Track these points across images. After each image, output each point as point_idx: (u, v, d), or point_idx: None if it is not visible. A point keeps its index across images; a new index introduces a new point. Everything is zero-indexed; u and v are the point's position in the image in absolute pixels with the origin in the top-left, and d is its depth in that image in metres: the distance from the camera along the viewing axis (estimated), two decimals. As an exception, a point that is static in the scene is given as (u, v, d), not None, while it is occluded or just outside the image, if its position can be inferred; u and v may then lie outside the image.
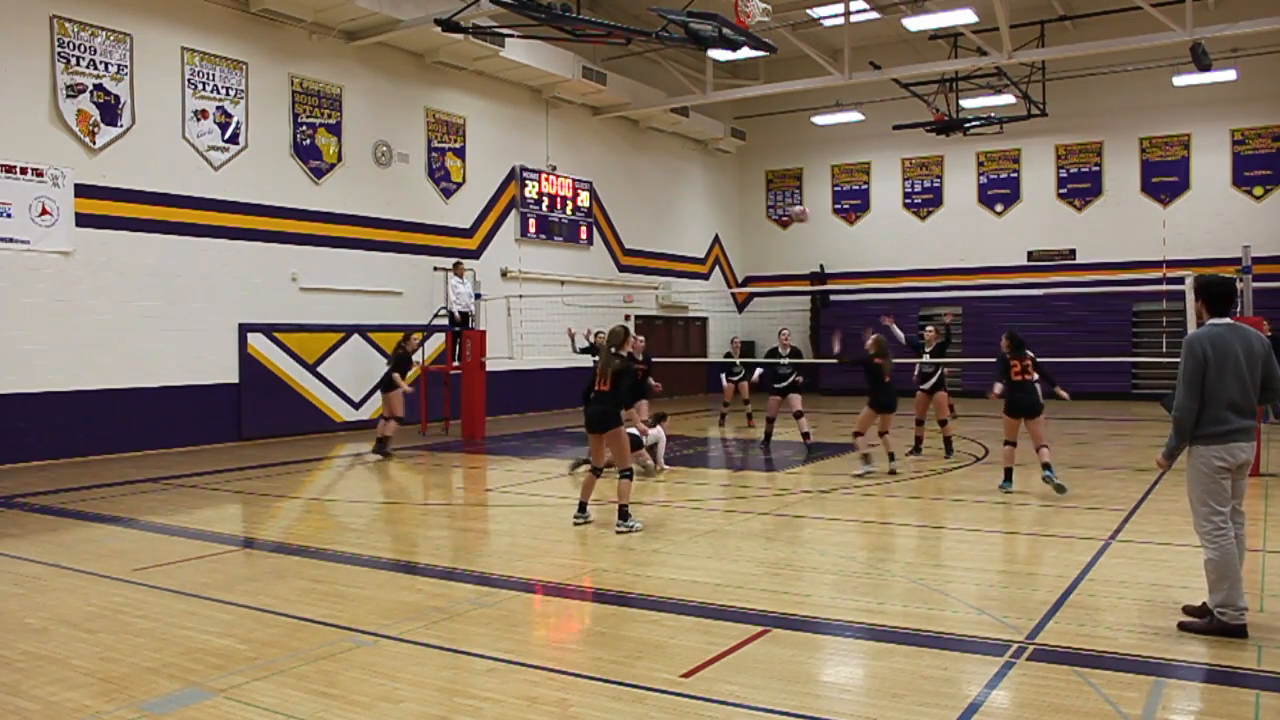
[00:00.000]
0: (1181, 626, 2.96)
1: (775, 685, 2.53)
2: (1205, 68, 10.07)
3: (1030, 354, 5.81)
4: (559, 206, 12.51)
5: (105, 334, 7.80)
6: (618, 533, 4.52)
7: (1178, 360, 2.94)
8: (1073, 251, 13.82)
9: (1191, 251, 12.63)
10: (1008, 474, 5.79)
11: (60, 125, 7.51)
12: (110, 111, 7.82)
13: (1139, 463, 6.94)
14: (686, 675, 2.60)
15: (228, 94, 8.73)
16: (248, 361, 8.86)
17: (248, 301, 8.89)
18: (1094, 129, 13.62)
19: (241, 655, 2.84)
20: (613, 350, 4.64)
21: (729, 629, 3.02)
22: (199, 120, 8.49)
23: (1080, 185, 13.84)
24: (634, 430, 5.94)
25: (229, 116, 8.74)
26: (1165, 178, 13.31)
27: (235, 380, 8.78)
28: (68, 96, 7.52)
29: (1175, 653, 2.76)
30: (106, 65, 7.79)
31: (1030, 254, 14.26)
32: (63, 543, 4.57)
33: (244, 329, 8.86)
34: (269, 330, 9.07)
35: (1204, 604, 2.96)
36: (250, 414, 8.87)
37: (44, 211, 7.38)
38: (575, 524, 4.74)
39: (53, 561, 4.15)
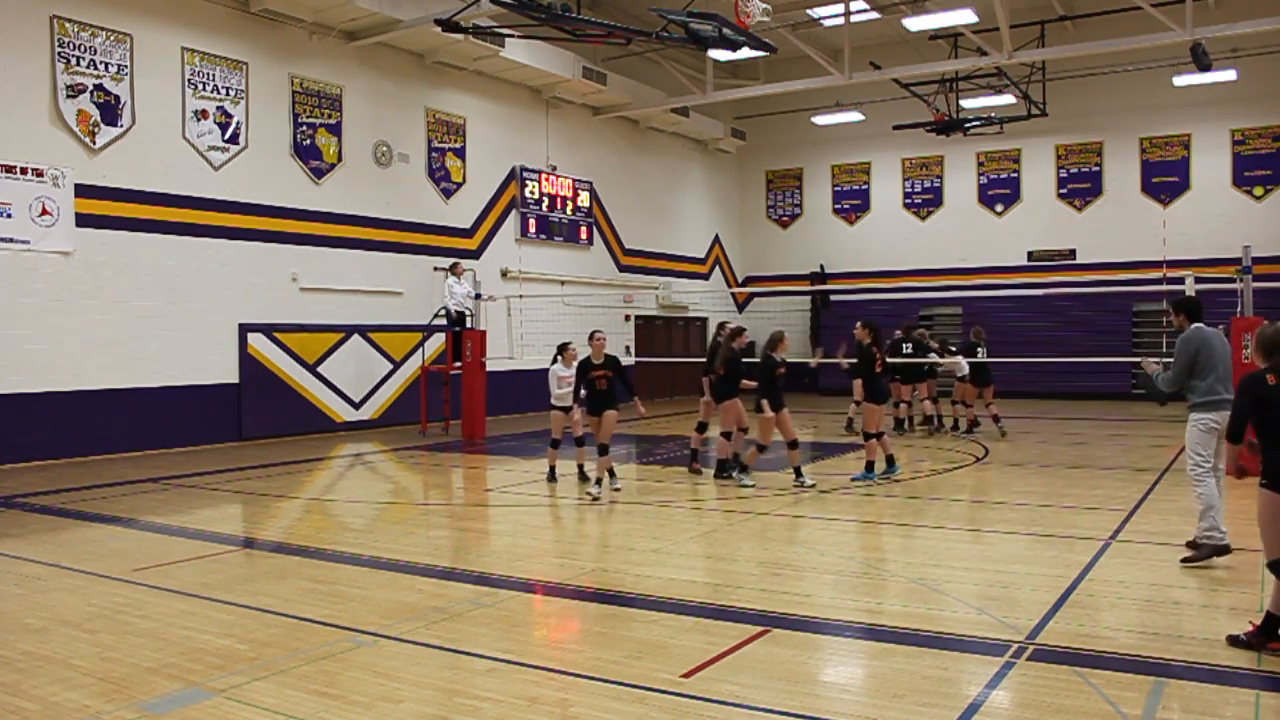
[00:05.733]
0: (1184, 561, 3.77)
1: (775, 685, 2.53)
2: (1205, 68, 10.07)
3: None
4: (559, 206, 12.49)
5: (105, 334, 7.79)
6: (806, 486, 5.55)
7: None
8: (1073, 251, 13.82)
9: (1192, 251, 12.61)
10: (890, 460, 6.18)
11: (60, 125, 7.51)
12: (110, 111, 7.81)
13: (1139, 463, 6.93)
14: (686, 675, 2.60)
15: (228, 94, 8.72)
16: (248, 361, 8.85)
17: (248, 301, 8.87)
18: (1094, 129, 13.62)
19: (241, 655, 2.84)
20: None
21: (729, 629, 3.02)
22: (199, 120, 8.48)
23: (1080, 185, 13.85)
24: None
25: (229, 116, 8.73)
26: (1165, 178, 13.31)
27: (235, 380, 8.77)
28: (68, 96, 7.52)
29: (1175, 653, 2.77)
30: (107, 65, 7.78)
31: (1030, 254, 14.28)
32: (63, 543, 4.56)
33: (244, 329, 8.85)
34: (269, 330, 9.05)
35: (1194, 539, 3.87)
36: (250, 414, 8.86)
37: (44, 211, 7.38)
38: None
39: (53, 561, 4.15)
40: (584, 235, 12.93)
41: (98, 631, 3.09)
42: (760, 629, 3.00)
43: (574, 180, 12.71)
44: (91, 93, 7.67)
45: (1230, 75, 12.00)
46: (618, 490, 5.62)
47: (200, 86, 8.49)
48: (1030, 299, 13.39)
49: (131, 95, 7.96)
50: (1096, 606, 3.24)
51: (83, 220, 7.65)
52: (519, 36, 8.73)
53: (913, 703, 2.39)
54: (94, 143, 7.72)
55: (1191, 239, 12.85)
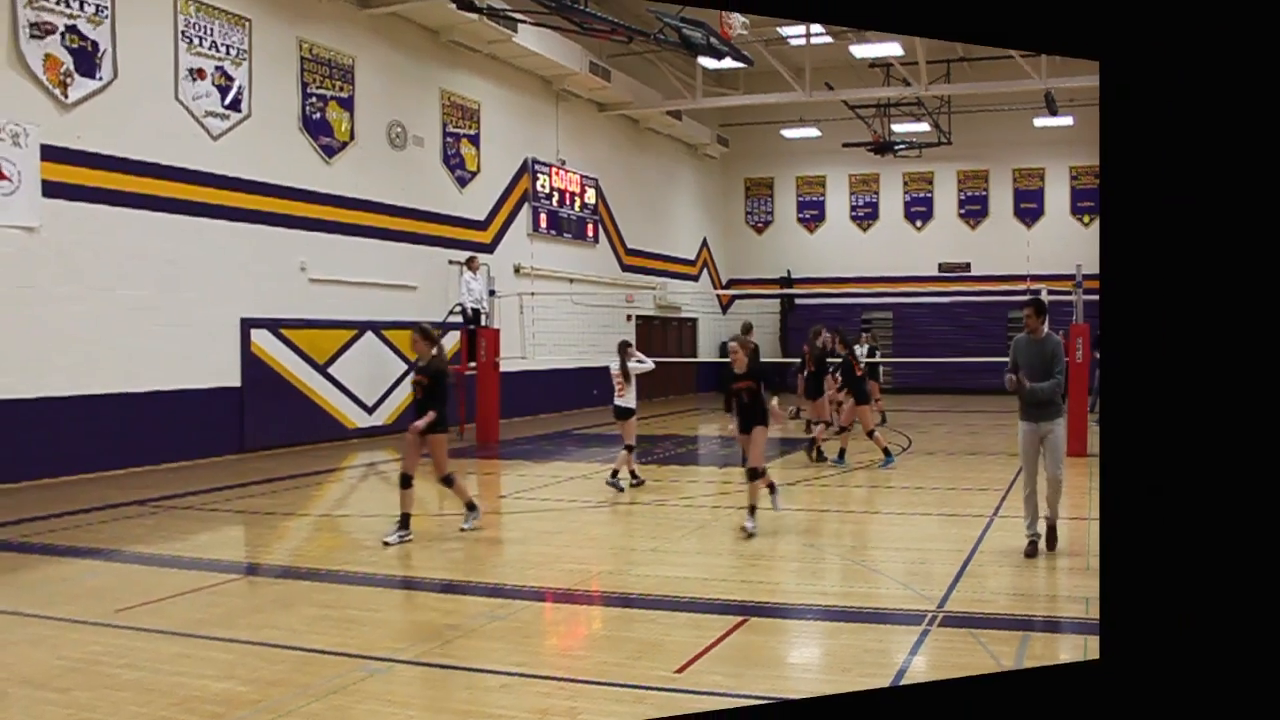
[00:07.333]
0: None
1: (752, 672, 2.53)
2: (1054, 113, 11.50)
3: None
4: (568, 202, 11.42)
5: (79, 329, 5.71)
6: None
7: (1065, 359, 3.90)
8: (968, 265, 14.64)
9: (1045, 268, 13.30)
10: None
11: (22, 70, 5.39)
12: (87, 60, 5.73)
13: (1014, 448, 7.35)
14: (679, 670, 2.53)
15: (228, 53, 6.73)
16: (251, 362, 6.93)
17: (251, 293, 6.94)
18: (982, 158, 14.38)
19: (244, 699, 2.28)
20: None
21: (715, 621, 2.98)
22: (195, 80, 6.46)
23: (974, 207, 14.69)
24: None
25: (230, 79, 6.73)
26: (1029, 204, 14.44)
27: (237, 384, 6.82)
28: (31, 36, 5.40)
29: (1036, 609, 3.06)
30: (82, 4, 5.69)
31: (940, 265, 15.12)
32: (26, 584, 3.49)
33: (247, 324, 6.93)
34: (275, 326, 7.15)
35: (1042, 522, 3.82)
36: (254, 422, 6.90)
37: (1, 176, 5.40)
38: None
39: (12, 608, 3.10)
40: (590, 233, 11.93)
41: (70, 689, 2.34)
42: (740, 619, 2.98)
43: (581, 176, 11.67)
44: (63, 35, 5.56)
45: (1068, 121, 12.92)
46: (468, 529, 4.15)
47: (196, 41, 6.47)
48: (939, 306, 14.11)
49: (113, 42, 5.86)
50: (984, 575, 3.45)
51: (51, 189, 5.56)
52: (530, 23, 7.99)
53: (857, 675, 2.47)
54: (66, 96, 5.61)
55: (1045, 258, 13.72)
